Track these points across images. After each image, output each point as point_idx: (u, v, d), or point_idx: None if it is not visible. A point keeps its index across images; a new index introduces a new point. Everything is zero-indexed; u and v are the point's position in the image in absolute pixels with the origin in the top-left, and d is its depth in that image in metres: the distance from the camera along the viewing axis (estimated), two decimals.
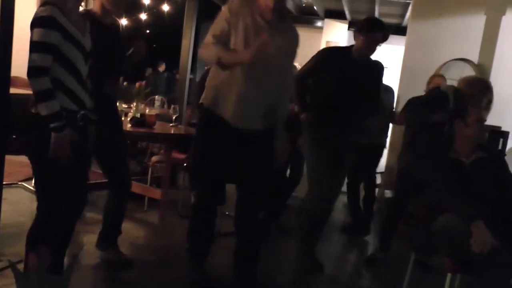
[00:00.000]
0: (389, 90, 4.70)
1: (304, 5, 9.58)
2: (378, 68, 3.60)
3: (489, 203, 2.56)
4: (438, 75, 4.60)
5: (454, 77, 5.39)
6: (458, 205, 2.51)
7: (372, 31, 3.27)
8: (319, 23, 10.31)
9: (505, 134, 5.15)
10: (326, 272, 3.47)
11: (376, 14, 8.63)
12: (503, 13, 5.44)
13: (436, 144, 3.10)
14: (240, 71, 2.65)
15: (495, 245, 2.33)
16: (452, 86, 3.77)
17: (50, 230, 2.32)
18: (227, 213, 4.16)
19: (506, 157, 4.92)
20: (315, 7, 9.32)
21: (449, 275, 2.55)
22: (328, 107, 3.37)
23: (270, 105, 2.78)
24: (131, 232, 3.76)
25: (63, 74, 2.22)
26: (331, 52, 3.59)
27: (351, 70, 3.32)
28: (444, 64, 5.53)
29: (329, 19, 9.98)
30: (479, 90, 3.39)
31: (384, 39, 3.32)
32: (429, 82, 4.34)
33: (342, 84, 3.32)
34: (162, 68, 11.37)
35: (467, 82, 3.54)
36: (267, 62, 2.60)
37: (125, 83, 4.59)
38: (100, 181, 3.72)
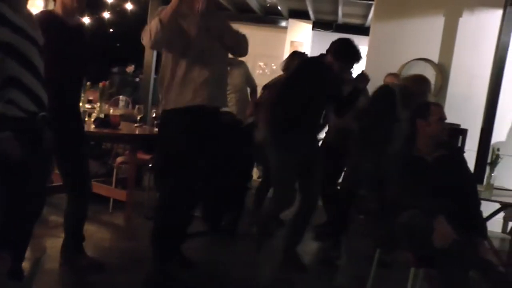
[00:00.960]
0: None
1: (268, 5, 9.61)
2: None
3: (450, 198, 2.65)
4: (391, 74, 4.75)
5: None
6: (421, 201, 2.59)
7: (351, 64, 3.43)
8: (283, 23, 10.37)
9: (464, 132, 5.32)
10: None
11: (339, 14, 8.74)
12: (460, 15, 5.62)
13: (391, 140, 3.21)
14: (195, 61, 2.80)
15: (455, 239, 2.41)
16: (400, 84, 3.91)
17: (6, 234, 2.22)
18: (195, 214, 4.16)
19: (465, 154, 5.11)
20: (279, 7, 9.36)
21: (412, 270, 2.62)
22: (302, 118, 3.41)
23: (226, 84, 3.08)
24: (96, 234, 3.70)
25: (20, 71, 2.10)
26: (312, 66, 3.60)
27: (328, 84, 3.42)
28: (406, 63, 5.67)
29: (293, 19, 10.05)
30: (425, 87, 3.61)
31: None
32: (384, 81, 4.47)
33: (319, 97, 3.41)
34: (130, 69, 11.15)
35: (413, 79, 3.75)
36: (211, 47, 2.84)
37: (88, 84, 4.50)
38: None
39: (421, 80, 3.70)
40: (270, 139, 3.46)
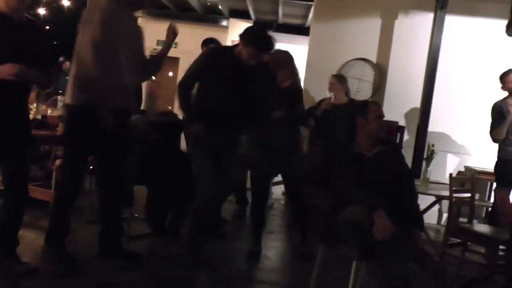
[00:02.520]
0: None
1: (209, 4, 9.60)
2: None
3: (389, 193, 2.76)
4: (334, 76, 4.89)
5: (355, 75, 5.73)
6: (362, 196, 2.68)
7: (260, 50, 3.32)
8: (224, 23, 10.39)
9: (401, 129, 5.56)
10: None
11: (280, 14, 8.86)
12: (396, 17, 5.87)
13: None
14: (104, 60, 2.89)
15: (394, 232, 2.52)
16: None
17: None
18: (136, 215, 4.09)
19: (402, 150, 5.34)
20: (219, 7, 9.37)
21: (354, 263, 2.71)
22: (215, 110, 3.36)
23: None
24: (35, 241, 3.54)
25: None
26: (215, 54, 3.57)
27: (238, 72, 3.34)
28: (346, 63, 5.84)
29: (234, 18, 10.09)
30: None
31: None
32: (328, 82, 4.65)
33: (233, 87, 3.33)
34: (66, 66, 10.70)
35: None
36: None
37: None
38: None
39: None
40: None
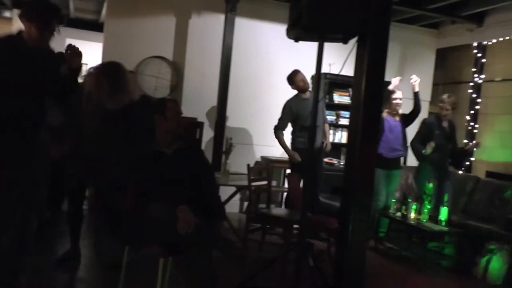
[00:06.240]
0: None
1: None
2: (56, 57, 3.03)
3: (191, 187, 2.84)
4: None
5: (152, 73, 5.72)
6: (164, 193, 2.70)
7: (49, 20, 2.85)
8: (7, 14, 9.39)
9: (200, 125, 5.75)
10: None
11: (71, 9, 8.34)
12: (190, 17, 6.03)
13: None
14: None
15: (197, 224, 2.61)
16: None
17: None
18: None
19: (202, 145, 5.53)
20: None
21: (161, 260, 2.72)
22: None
23: None
24: None
25: None
26: None
27: (24, 61, 2.85)
28: (143, 61, 5.78)
29: (18, 9, 9.18)
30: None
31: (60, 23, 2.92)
32: None
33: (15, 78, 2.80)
34: None
35: None
36: None
37: None
38: None
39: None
40: None
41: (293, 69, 5.16)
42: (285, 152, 5.21)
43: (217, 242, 2.75)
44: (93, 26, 8.85)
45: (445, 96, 5.24)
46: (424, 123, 5.27)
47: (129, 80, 3.70)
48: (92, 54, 8.23)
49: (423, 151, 5.07)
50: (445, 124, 5.20)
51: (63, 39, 8.41)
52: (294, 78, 5.09)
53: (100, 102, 3.48)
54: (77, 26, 8.60)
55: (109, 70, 3.62)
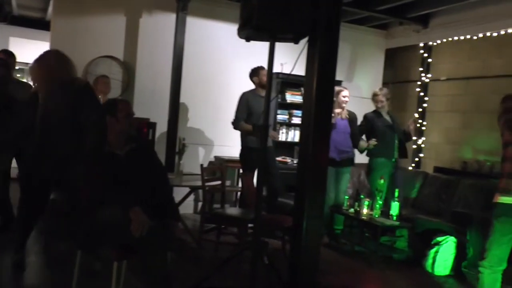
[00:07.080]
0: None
1: None
2: None
3: (144, 189, 2.79)
4: None
5: (103, 73, 5.58)
6: (116, 195, 2.65)
7: None
8: None
9: (153, 125, 5.67)
10: None
11: (14, 5, 8.02)
12: (140, 16, 5.93)
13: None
14: None
15: (151, 226, 2.58)
16: None
17: None
18: None
19: (155, 145, 5.46)
20: None
21: (115, 263, 2.67)
22: None
23: None
24: None
25: None
26: None
27: None
28: (93, 61, 5.64)
29: None
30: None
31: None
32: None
33: None
34: None
35: None
36: None
37: None
38: None
39: None
40: None
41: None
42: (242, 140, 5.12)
43: (172, 243, 2.73)
44: (39, 24, 8.54)
45: (377, 90, 5.45)
46: (365, 118, 5.42)
47: (67, 64, 3.57)
48: (38, 54, 7.94)
49: (365, 145, 5.22)
50: (385, 115, 5.38)
51: (6, 38, 8.10)
52: (260, 71, 5.02)
53: (46, 94, 3.42)
54: (21, 23, 8.28)
55: (43, 58, 3.58)
